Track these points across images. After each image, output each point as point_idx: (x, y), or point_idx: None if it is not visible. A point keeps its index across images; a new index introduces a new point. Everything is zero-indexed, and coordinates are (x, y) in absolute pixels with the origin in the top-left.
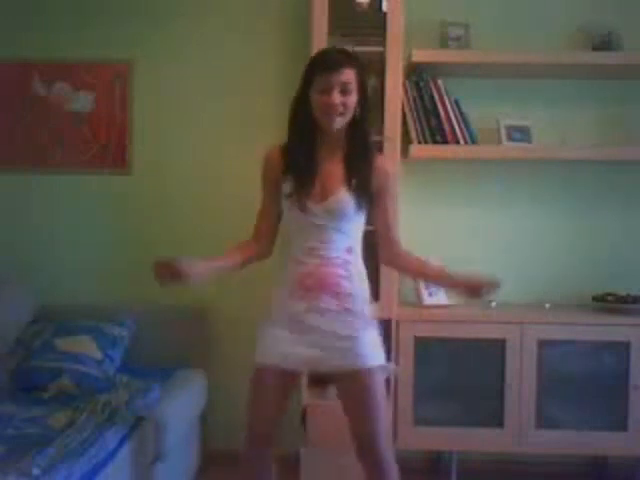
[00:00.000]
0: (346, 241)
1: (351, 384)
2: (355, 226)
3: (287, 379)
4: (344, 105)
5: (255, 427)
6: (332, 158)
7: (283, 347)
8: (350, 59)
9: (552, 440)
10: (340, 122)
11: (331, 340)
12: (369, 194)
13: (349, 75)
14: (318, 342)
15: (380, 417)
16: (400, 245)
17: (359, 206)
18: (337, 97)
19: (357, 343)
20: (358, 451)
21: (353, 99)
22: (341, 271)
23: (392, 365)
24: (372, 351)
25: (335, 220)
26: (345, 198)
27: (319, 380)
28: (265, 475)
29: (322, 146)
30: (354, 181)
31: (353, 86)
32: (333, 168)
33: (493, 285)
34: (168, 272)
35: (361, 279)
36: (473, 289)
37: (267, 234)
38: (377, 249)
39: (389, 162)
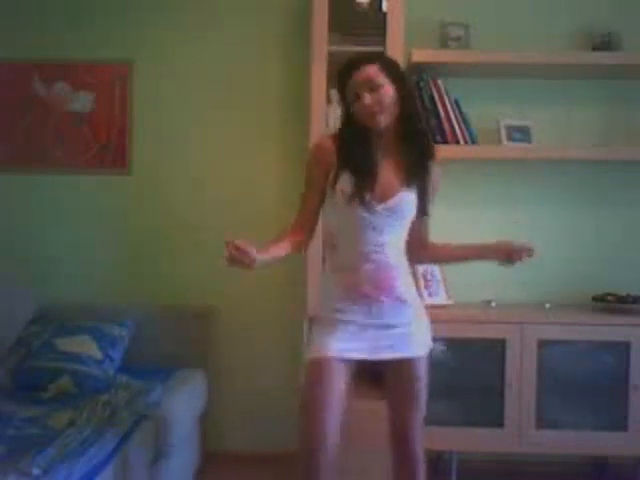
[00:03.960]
0: (398, 242)
1: (401, 373)
2: (406, 228)
3: (345, 370)
4: (378, 102)
5: (318, 422)
6: (387, 157)
7: (341, 343)
8: (369, 56)
9: (552, 440)
10: (384, 119)
11: (386, 332)
12: (426, 200)
13: (371, 70)
14: (374, 335)
15: (420, 408)
16: (429, 239)
17: (416, 209)
18: (367, 98)
19: (409, 333)
20: (392, 440)
21: (386, 93)
22: (395, 273)
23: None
24: (422, 341)
25: (393, 220)
26: (408, 199)
27: None
28: None
29: (377, 145)
30: (415, 185)
31: (381, 80)
32: (390, 168)
33: (525, 249)
34: (239, 254)
35: (409, 276)
36: (506, 253)
37: (307, 227)
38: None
39: (439, 174)
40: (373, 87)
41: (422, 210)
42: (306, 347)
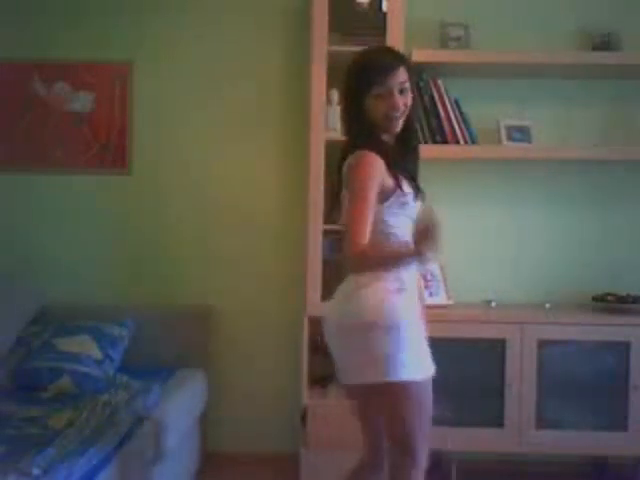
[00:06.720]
0: None
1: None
2: None
3: None
4: (405, 105)
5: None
6: None
7: (427, 354)
8: (401, 58)
9: (552, 440)
10: (401, 123)
11: None
12: None
13: (404, 74)
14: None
15: None
16: None
17: None
18: (399, 99)
19: None
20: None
21: (410, 98)
22: None
23: None
24: None
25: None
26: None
27: (320, 379)
28: None
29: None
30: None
31: (408, 85)
32: None
33: None
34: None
35: None
36: None
37: None
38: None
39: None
40: (403, 89)
41: None
42: (397, 345)
